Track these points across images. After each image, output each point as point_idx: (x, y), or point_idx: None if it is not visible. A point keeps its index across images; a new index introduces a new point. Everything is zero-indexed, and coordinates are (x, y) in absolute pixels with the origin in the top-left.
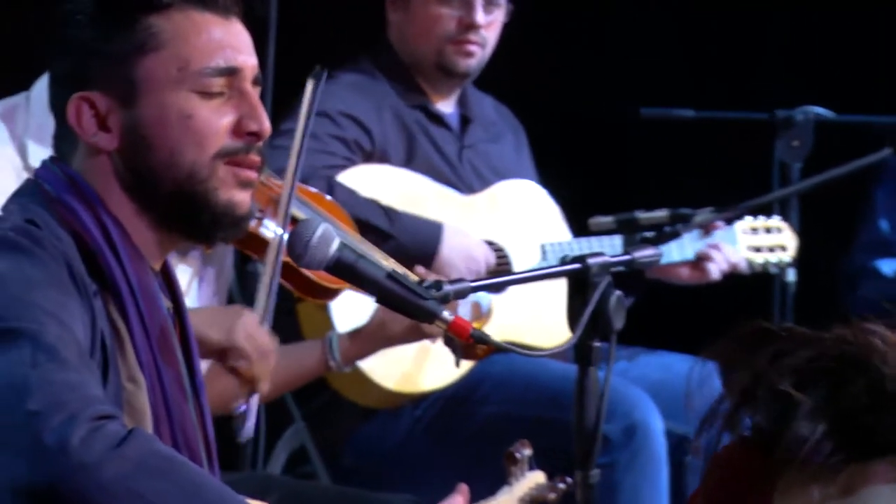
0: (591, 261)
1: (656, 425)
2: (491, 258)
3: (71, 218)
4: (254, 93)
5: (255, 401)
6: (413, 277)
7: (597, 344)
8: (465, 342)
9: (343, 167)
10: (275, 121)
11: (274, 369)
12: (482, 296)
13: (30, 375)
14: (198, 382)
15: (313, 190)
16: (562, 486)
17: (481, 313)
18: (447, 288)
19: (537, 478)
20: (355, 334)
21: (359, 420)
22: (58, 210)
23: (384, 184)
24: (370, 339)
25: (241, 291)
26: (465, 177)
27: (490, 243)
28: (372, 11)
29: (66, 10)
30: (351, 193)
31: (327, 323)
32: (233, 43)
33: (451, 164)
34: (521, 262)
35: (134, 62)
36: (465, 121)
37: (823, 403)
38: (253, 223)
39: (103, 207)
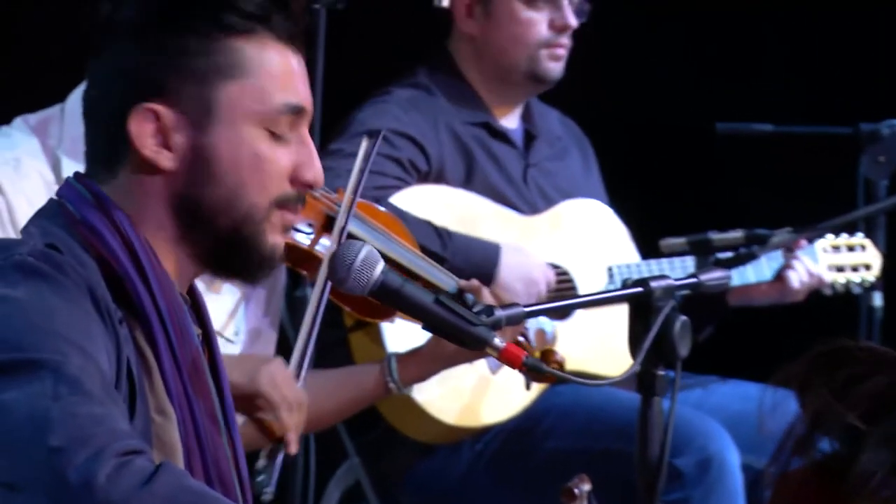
0: (653, 284)
1: (732, 459)
2: (552, 280)
3: (96, 241)
4: (310, 139)
5: (279, 459)
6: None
7: (661, 372)
8: (518, 369)
9: (396, 188)
10: (323, 137)
11: (329, 394)
12: (546, 322)
13: (51, 409)
14: (229, 414)
15: (367, 203)
16: None
17: (546, 340)
18: (499, 313)
19: None
20: (414, 354)
21: (417, 455)
22: (81, 232)
23: (439, 204)
24: (429, 358)
25: (291, 318)
26: (529, 197)
27: (553, 266)
28: (423, 24)
29: (141, 5)
30: (402, 215)
31: (380, 352)
32: (303, 80)
33: (515, 183)
34: (587, 285)
35: (215, 85)
36: (529, 137)
37: (893, 435)
38: (306, 240)
39: (133, 229)
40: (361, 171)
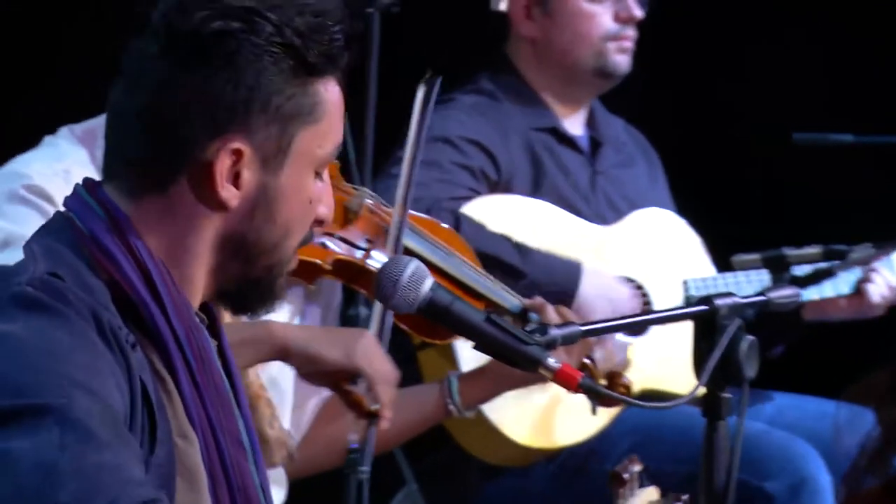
0: (719, 302)
1: (825, 481)
2: (636, 299)
3: (107, 264)
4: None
5: (372, 435)
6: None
7: (727, 395)
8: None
9: (468, 198)
10: (377, 145)
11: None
12: (622, 339)
13: (59, 460)
14: (252, 436)
15: (426, 217)
16: None
17: (617, 360)
18: (554, 332)
19: (650, 494)
20: (477, 374)
21: (483, 479)
22: (90, 251)
23: (513, 216)
24: (493, 378)
25: None
26: (596, 206)
27: (628, 280)
28: (479, 27)
29: (237, 33)
30: (479, 228)
31: (452, 369)
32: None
33: (582, 192)
34: (663, 299)
35: (295, 128)
36: (595, 143)
37: None
38: (360, 255)
39: (150, 256)
40: (420, 124)
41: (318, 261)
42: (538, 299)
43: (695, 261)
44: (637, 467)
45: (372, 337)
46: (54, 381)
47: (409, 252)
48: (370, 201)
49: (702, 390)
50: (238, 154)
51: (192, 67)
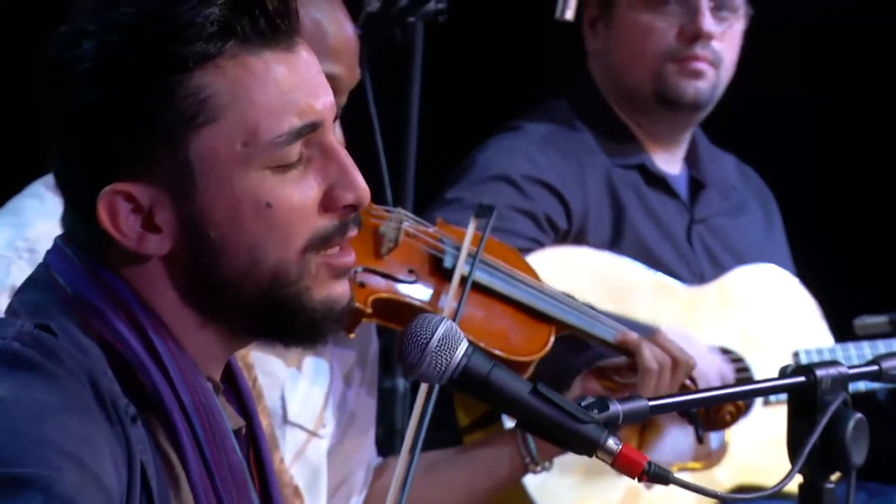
0: (820, 372)
1: None
2: (727, 370)
3: (98, 323)
4: (340, 146)
5: None
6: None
7: (829, 485)
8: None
9: (528, 250)
10: (419, 165)
11: (456, 485)
12: None
13: None
14: None
15: (501, 242)
16: None
17: (709, 446)
18: (616, 408)
19: None
20: None
21: None
22: (79, 312)
23: (581, 271)
24: None
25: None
26: (693, 261)
27: (724, 350)
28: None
29: (71, 64)
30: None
31: None
32: (306, 85)
33: (676, 243)
34: (767, 374)
35: (184, 140)
36: (696, 185)
37: None
38: (405, 290)
39: (140, 304)
40: (472, 262)
41: (356, 304)
42: (630, 336)
43: (808, 328)
44: None
45: None
46: (41, 450)
47: (480, 288)
48: (408, 224)
49: (798, 479)
50: (130, 197)
51: (55, 125)
